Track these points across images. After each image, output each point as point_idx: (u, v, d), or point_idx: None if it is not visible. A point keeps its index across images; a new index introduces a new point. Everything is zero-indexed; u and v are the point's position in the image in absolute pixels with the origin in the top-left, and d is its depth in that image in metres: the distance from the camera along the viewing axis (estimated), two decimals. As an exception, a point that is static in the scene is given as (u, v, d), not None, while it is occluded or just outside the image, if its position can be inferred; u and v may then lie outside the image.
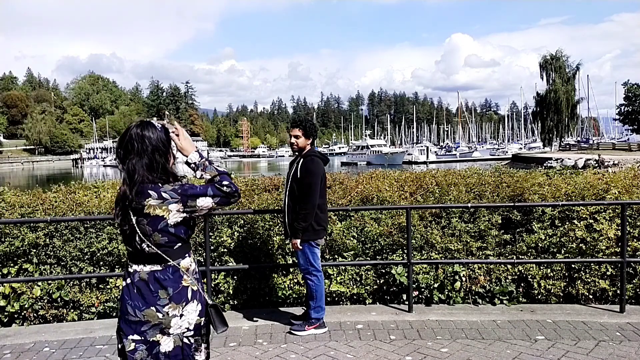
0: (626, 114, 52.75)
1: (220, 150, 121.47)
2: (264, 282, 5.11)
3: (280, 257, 5.14)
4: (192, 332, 2.21)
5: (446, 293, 5.09)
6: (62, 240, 4.99)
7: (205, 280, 4.64)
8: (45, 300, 4.95)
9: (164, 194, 2.14)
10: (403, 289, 5.01)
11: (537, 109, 62.13)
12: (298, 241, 4.29)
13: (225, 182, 2.23)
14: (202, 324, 2.26)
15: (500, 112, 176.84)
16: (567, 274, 5.04)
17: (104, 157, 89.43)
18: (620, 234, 4.74)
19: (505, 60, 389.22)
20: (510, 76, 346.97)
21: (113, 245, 4.96)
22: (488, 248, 5.10)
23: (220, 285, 5.05)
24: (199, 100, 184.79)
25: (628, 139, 62.96)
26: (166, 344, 2.17)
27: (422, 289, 5.07)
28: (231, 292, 5.05)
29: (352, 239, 5.13)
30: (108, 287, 4.98)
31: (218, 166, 2.32)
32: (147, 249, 2.17)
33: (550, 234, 5.04)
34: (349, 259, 5.07)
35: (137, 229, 2.15)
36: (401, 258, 5.02)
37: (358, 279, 5.12)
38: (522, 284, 5.09)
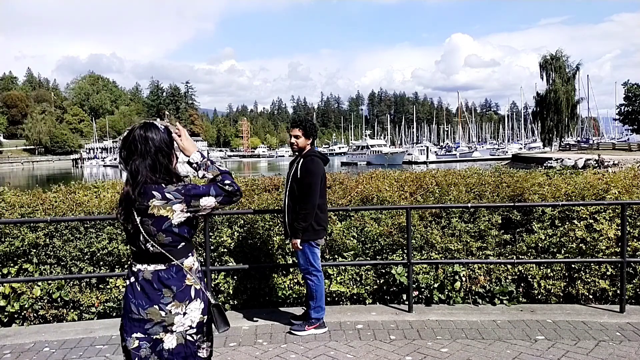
0: (626, 114, 52.73)
1: (220, 150, 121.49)
2: (264, 282, 5.12)
3: (280, 257, 5.14)
4: (194, 330, 2.24)
5: (446, 293, 5.09)
6: (62, 240, 4.99)
7: (205, 280, 4.64)
8: (45, 300, 4.95)
9: (167, 195, 2.16)
10: (403, 289, 5.01)
11: (537, 109, 62.12)
12: (298, 241, 4.29)
13: (227, 181, 2.26)
14: (204, 322, 2.28)
15: (500, 112, 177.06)
16: (567, 274, 5.04)
17: (104, 157, 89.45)
18: (620, 234, 4.74)
19: (505, 60, 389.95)
20: (510, 76, 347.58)
21: (113, 245, 4.96)
22: (488, 248, 5.10)
23: (220, 285, 5.05)
24: (199, 100, 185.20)
25: (628, 139, 62.95)
26: (169, 342, 2.19)
27: (422, 289, 5.07)
28: (231, 292, 5.05)
29: (352, 239, 5.13)
30: (108, 287, 4.98)
31: (219, 166, 2.34)
32: (151, 248, 2.20)
33: (550, 234, 5.04)
34: (349, 259, 5.07)
35: (142, 229, 2.18)
36: (401, 258, 5.02)
37: (358, 279, 5.12)
38: (522, 284, 5.09)
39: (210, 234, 4.99)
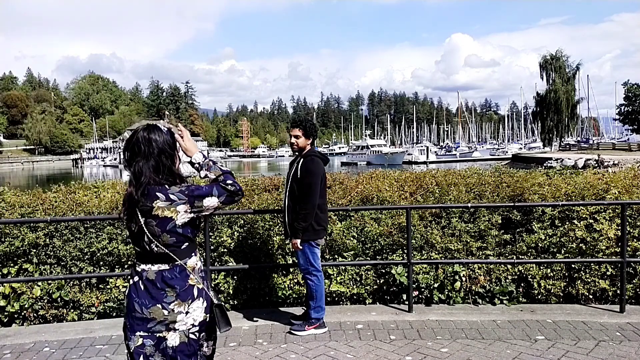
0: (626, 114, 52.73)
1: (220, 150, 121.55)
2: (264, 282, 5.12)
3: (280, 257, 5.14)
4: (197, 328, 2.27)
5: (446, 293, 5.09)
6: (62, 240, 4.99)
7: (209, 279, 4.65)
8: (45, 300, 4.95)
9: (171, 196, 2.19)
10: (403, 289, 5.01)
11: (537, 109, 62.12)
12: (298, 241, 4.29)
13: (229, 181, 2.29)
14: (207, 320, 2.31)
15: (500, 112, 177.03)
16: (567, 274, 5.04)
17: (104, 157, 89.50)
18: (620, 234, 4.74)
19: (505, 60, 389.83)
20: (510, 76, 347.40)
21: (113, 245, 4.96)
22: (488, 248, 5.10)
23: (221, 285, 5.05)
24: (199, 100, 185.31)
25: (628, 139, 62.95)
26: (173, 340, 2.22)
27: (422, 289, 5.07)
28: (231, 292, 5.06)
29: (352, 239, 5.13)
30: (108, 287, 4.98)
31: (221, 166, 2.37)
32: (155, 249, 2.23)
33: (550, 234, 5.04)
34: (349, 259, 5.07)
35: (146, 230, 2.20)
36: (401, 258, 5.02)
37: (358, 279, 5.12)
38: (522, 284, 5.09)
39: (210, 234, 4.99)
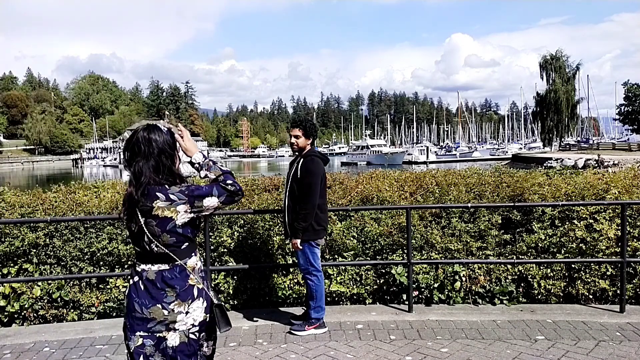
0: (626, 114, 52.73)
1: (220, 150, 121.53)
2: (264, 282, 5.12)
3: (280, 257, 5.14)
4: (197, 328, 2.27)
5: (446, 293, 5.09)
6: (62, 240, 4.99)
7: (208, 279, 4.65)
8: (45, 300, 4.95)
9: (171, 196, 2.19)
10: (403, 289, 5.01)
11: (537, 109, 62.12)
12: (298, 241, 4.29)
13: (229, 181, 2.29)
14: (207, 320, 2.31)
15: (500, 112, 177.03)
16: (567, 274, 5.04)
17: (104, 157, 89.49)
18: (620, 234, 4.74)
19: (505, 60, 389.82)
20: (510, 76, 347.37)
21: (113, 245, 4.96)
22: (488, 248, 5.10)
23: (220, 285, 5.05)
24: (199, 100, 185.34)
25: (628, 139, 62.95)
26: (173, 339, 2.22)
27: (422, 289, 5.07)
28: (231, 292, 5.06)
29: (352, 239, 5.13)
30: (108, 287, 4.98)
31: (221, 166, 2.37)
32: (155, 249, 2.23)
33: (550, 234, 5.04)
34: (349, 259, 5.07)
35: (146, 230, 2.20)
36: (401, 258, 5.02)
37: (358, 279, 5.12)
38: (522, 284, 5.09)
39: (210, 234, 4.99)
